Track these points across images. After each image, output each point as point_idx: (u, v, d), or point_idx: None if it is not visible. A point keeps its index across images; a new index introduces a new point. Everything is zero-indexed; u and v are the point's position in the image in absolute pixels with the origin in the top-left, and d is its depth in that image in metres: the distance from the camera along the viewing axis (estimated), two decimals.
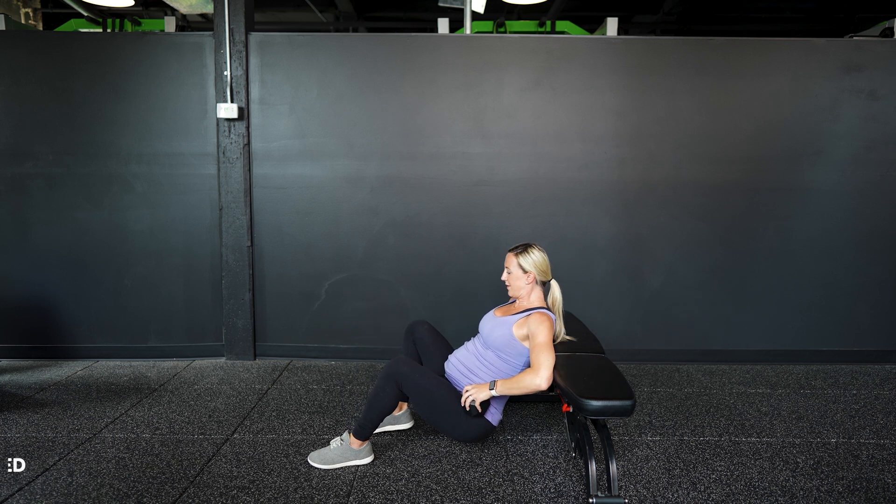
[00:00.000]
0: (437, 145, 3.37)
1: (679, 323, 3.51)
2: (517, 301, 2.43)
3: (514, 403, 2.89)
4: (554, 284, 2.39)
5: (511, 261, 2.36)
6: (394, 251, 3.45)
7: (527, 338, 2.23)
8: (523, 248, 2.35)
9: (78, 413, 2.71)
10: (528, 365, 2.28)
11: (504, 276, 2.41)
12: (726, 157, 3.36)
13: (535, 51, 3.31)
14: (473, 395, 2.19)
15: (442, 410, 2.24)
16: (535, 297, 2.38)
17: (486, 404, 2.24)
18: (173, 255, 3.44)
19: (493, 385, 2.18)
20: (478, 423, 2.26)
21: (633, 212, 3.41)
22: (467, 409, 2.20)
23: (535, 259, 2.33)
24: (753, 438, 2.51)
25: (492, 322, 2.38)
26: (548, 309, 2.33)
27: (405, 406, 2.58)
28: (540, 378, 2.09)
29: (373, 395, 2.22)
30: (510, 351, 2.28)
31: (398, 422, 2.55)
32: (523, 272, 2.34)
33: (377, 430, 2.49)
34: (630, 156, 3.37)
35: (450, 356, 2.47)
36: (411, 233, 3.44)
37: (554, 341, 2.27)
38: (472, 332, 2.56)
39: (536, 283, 2.36)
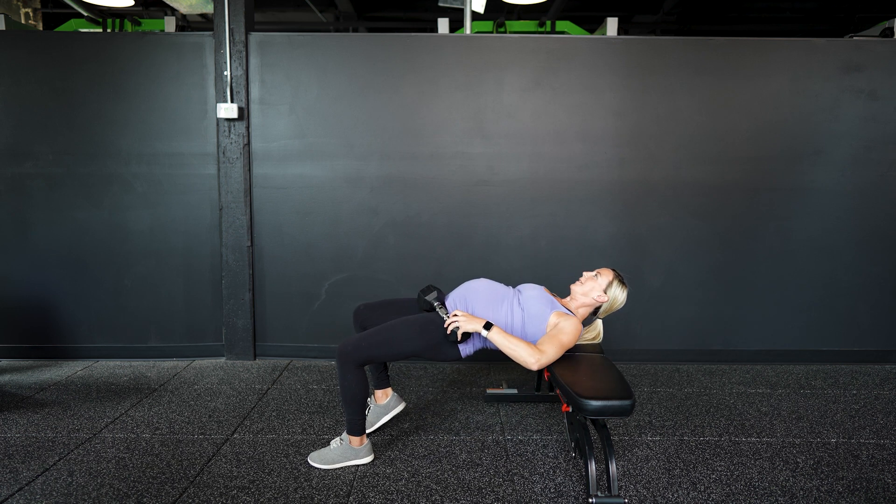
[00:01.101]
0: (437, 145, 3.37)
1: (679, 323, 3.51)
2: (569, 298, 2.43)
3: (514, 403, 2.89)
4: (599, 323, 2.49)
5: (607, 276, 2.37)
6: (394, 251, 3.45)
7: (554, 326, 2.21)
8: (623, 281, 2.39)
9: (78, 413, 2.71)
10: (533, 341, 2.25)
11: (589, 275, 2.40)
12: (726, 157, 3.37)
13: (535, 51, 3.31)
14: (462, 323, 2.14)
15: (404, 346, 2.21)
16: (583, 312, 2.40)
17: (466, 336, 2.20)
18: (173, 255, 3.44)
19: (488, 326, 2.14)
20: (446, 350, 2.24)
21: (633, 212, 3.41)
22: (449, 331, 2.15)
23: (618, 296, 2.38)
24: (753, 438, 2.51)
25: (540, 295, 2.32)
26: (583, 325, 2.39)
27: (390, 391, 2.54)
28: (535, 359, 2.06)
29: (341, 388, 2.19)
30: (536, 323, 2.24)
31: (389, 409, 2.51)
32: (604, 292, 2.36)
33: (376, 427, 2.48)
34: (630, 156, 3.37)
35: (471, 281, 2.41)
36: (411, 233, 3.44)
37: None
38: None
39: (595, 308, 2.41)
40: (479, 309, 2.29)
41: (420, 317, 2.29)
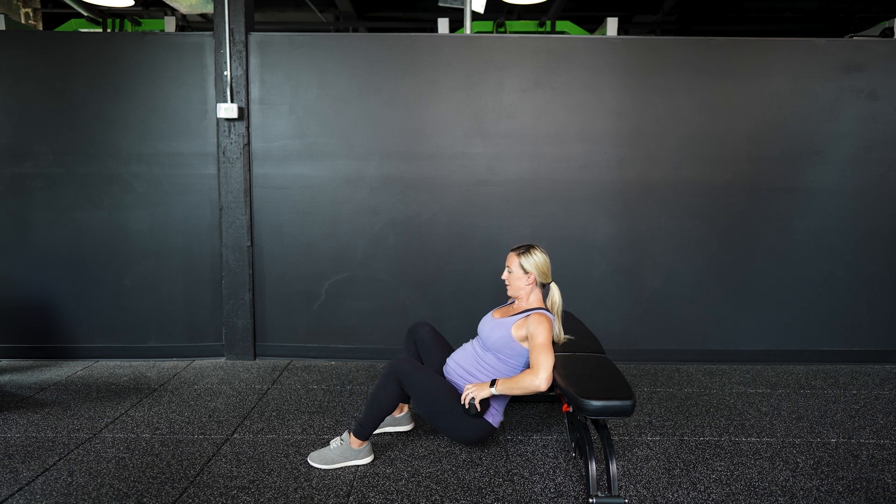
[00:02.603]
0: (437, 145, 3.37)
1: (679, 323, 3.51)
2: (516, 302, 2.43)
3: (514, 403, 2.89)
4: (554, 287, 2.38)
5: (512, 260, 2.36)
6: (394, 251, 3.45)
7: (525, 339, 2.23)
8: (525, 249, 2.35)
9: (78, 413, 2.71)
10: (527, 366, 2.28)
11: (504, 275, 2.41)
12: (726, 157, 3.36)
13: (535, 51, 3.31)
14: (473, 393, 2.19)
15: (442, 410, 2.24)
16: (535, 299, 2.37)
17: (485, 404, 2.24)
18: (173, 255, 3.44)
19: (493, 384, 2.18)
20: (478, 424, 2.26)
21: (632, 212, 3.41)
22: (467, 406, 2.20)
23: (536, 260, 2.33)
24: (753, 438, 2.51)
25: (490, 323, 2.37)
26: (547, 310, 2.33)
27: (406, 408, 2.58)
28: (539, 379, 2.09)
29: (373, 393, 2.22)
30: (509, 352, 2.28)
31: (399, 423, 2.55)
32: (524, 272, 2.33)
33: (377, 431, 2.49)
34: (630, 156, 3.37)
35: (448, 359, 2.47)
36: (411, 233, 3.44)
37: (554, 344, 2.27)
38: (472, 332, 2.56)
39: (536, 284, 2.36)
40: (475, 377, 2.32)
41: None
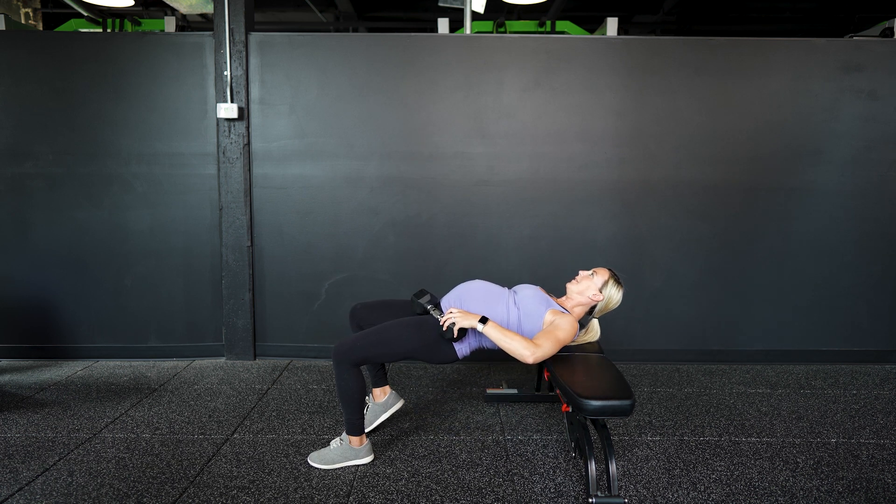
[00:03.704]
0: (437, 145, 3.37)
1: (679, 323, 3.51)
2: (564, 297, 2.42)
3: (514, 403, 2.89)
4: (595, 323, 2.44)
5: (603, 276, 2.36)
6: (394, 251, 3.45)
7: (549, 323, 2.20)
8: (618, 281, 2.38)
9: (78, 413, 2.71)
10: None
11: (585, 273, 2.39)
12: (726, 157, 3.36)
13: (535, 51, 3.31)
14: (457, 319, 2.13)
15: (403, 347, 2.21)
16: (579, 311, 2.38)
17: (462, 333, 2.18)
18: (173, 255, 3.44)
19: (484, 320, 2.12)
20: (443, 350, 2.23)
21: (633, 212, 3.41)
22: (445, 328, 2.14)
23: (614, 295, 2.35)
24: (753, 438, 2.51)
25: (534, 292, 2.33)
26: (580, 325, 2.36)
27: (388, 389, 2.54)
28: (531, 352, 2.04)
29: (337, 387, 2.20)
30: (531, 320, 2.24)
31: (388, 407, 2.51)
32: (599, 291, 2.34)
33: (375, 424, 2.48)
34: (630, 156, 3.37)
35: (466, 283, 2.40)
36: (411, 233, 3.44)
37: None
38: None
39: (591, 307, 2.38)
40: (474, 308, 2.28)
41: (417, 317, 2.30)
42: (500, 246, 3.43)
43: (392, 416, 2.63)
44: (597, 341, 2.55)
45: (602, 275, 2.37)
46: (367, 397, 2.49)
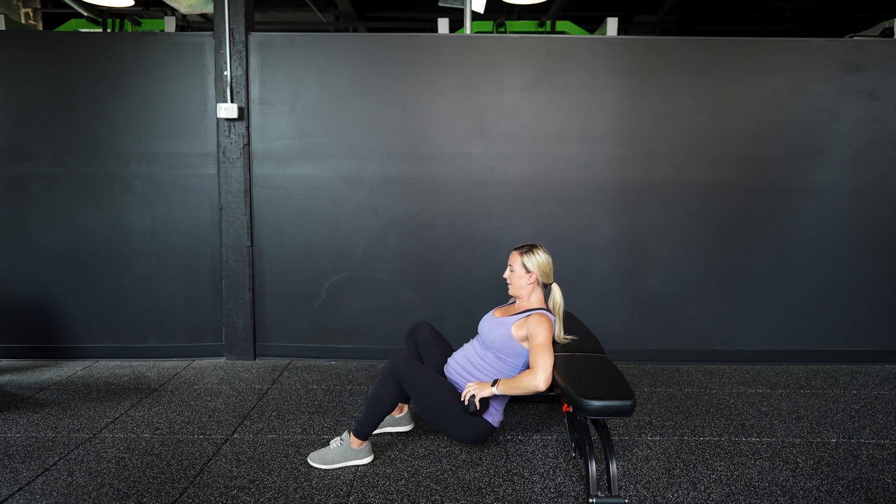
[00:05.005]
0: (437, 145, 3.37)
1: (679, 323, 3.51)
2: (517, 301, 2.43)
3: (513, 403, 2.89)
4: (555, 287, 2.39)
5: (515, 259, 2.36)
6: (394, 251, 3.45)
7: (526, 339, 2.23)
8: (528, 248, 2.35)
9: (78, 413, 2.71)
10: (527, 365, 2.28)
11: (506, 274, 2.41)
12: (726, 157, 3.36)
13: (535, 51, 3.31)
14: (475, 391, 2.19)
15: (442, 409, 2.24)
16: (536, 299, 2.37)
17: (485, 404, 2.24)
18: (173, 255, 3.44)
19: (494, 383, 2.19)
20: (477, 424, 2.26)
21: (633, 212, 3.41)
22: (466, 403, 2.20)
23: (539, 260, 2.33)
24: (753, 438, 2.51)
25: (491, 322, 2.38)
26: (548, 310, 2.32)
27: (406, 408, 2.57)
28: (538, 379, 2.09)
29: (373, 393, 2.22)
30: (509, 351, 2.28)
31: (399, 424, 2.55)
32: (526, 272, 2.33)
33: (377, 431, 2.49)
34: (630, 156, 3.37)
35: (448, 359, 2.47)
36: (411, 233, 3.44)
37: (554, 344, 2.27)
38: (472, 331, 2.56)
39: (538, 284, 2.36)
40: (474, 377, 2.33)
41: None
42: (500, 246, 3.43)
43: (396, 432, 2.61)
44: (596, 341, 2.55)
45: (514, 260, 2.36)
46: None
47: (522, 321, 2.25)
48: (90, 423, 2.59)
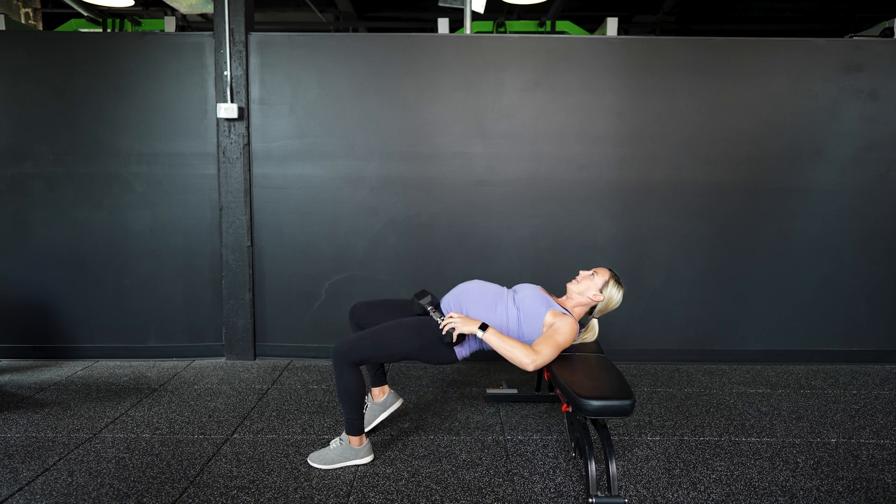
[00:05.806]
0: (437, 145, 3.37)
1: (679, 323, 3.51)
2: (565, 297, 2.42)
3: (513, 403, 2.89)
4: (595, 323, 2.43)
5: (604, 276, 2.36)
6: (394, 251, 3.45)
7: (549, 326, 2.21)
8: (618, 280, 2.38)
9: (78, 413, 2.71)
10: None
11: (586, 273, 2.39)
12: (726, 157, 3.36)
13: (535, 51, 3.31)
14: (457, 324, 2.16)
15: (399, 339, 2.21)
16: (579, 311, 2.38)
17: (461, 338, 2.20)
18: (173, 255, 3.44)
19: (484, 327, 2.15)
20: (444, 353, 2.24)
21: (632, 212, 3.41)
22: (444, 332, 2.16)
23: (613, 296, 2.36)
24: (753, 438, 2.51)
25: (534, 291, 2.33)
26: (581, 325, 2.36)
27: (387, 389, 2.54)
28: (531, 360, 2.06)
29: (337, 388, 2.20)
30: (531, 322, 2.24)
31: (386, 406, 2.51)
32: (599, 291, 2.34)
33: (374, 424, 2.48)
34: (630, 156, 3.37)
35: (465, 284, 2.41)
36: (411, 233, 3.44)
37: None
38: None
39: (591, 307, 2.39)
40: (473, 311, 2.29)
41: (416, 319, 2.30)
42: (500, 246, 3.43)
43: (391, 415, 2.64)
44: (595, 341, 2.55)
45: (602, 275, 2.37)
46: (366, 397, 2.50)
47: (561, 313, 2.24)
48: (90, 423, 2.59)
